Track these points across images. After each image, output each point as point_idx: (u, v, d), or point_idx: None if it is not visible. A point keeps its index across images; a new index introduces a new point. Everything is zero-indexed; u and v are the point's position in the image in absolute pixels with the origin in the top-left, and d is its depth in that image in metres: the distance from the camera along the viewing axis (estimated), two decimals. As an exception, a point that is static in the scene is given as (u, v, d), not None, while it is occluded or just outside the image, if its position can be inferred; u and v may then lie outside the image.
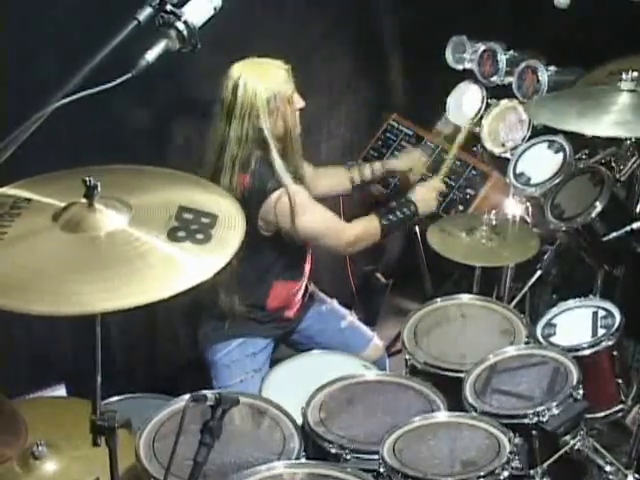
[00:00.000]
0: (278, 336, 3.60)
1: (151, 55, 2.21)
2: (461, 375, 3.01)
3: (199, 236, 2.03)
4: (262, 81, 3.20)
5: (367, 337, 3.71)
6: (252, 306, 3.45)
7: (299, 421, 2.82)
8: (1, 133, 2.04)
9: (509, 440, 2.61)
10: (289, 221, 3.24)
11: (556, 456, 2.79)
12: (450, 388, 2.95)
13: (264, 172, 3.23)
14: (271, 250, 3.38)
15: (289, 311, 3.56)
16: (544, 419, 2.75)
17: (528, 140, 3.97)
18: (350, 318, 3.75)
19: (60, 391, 3.61)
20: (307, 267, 3.57)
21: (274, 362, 3.49)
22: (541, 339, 3.24)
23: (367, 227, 3.52)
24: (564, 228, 3.51)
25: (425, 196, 3.69)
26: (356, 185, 3.89)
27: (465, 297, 3.51)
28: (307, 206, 3.29)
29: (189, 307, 3.63)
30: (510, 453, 2.56)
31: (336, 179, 3.87)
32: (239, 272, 3.26)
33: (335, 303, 3.78)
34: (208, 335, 3.51)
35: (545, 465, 2.77)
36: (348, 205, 4.07)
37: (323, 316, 3.70)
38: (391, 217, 3.56)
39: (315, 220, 3.35)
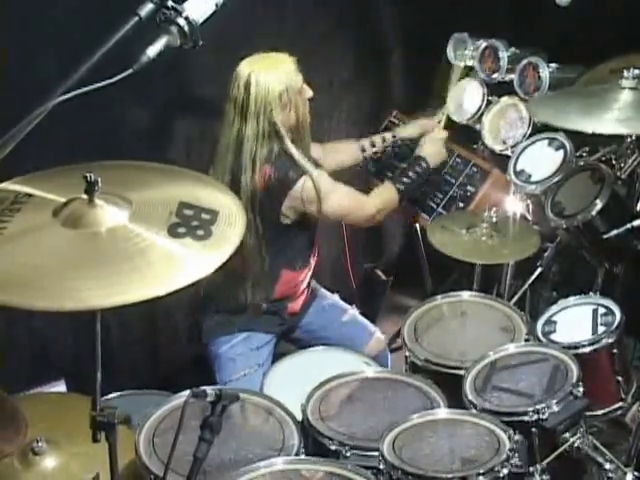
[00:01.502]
0: (281, 331, 3.60)
1: (152, 51, 2.21)
2: (461, 372, 3.01)
3: (200, 232, 2.03)
4: (273, 76, 3.22)
5: (369, 331, 3.71)
6: (261, 296, 3.45)
7: (299, 417, 2.82)
8: (2, 130, 2.04)
9: (509, 437, 2.61)
10: (317, 205, 3.30)
11: (556, 454, 2.79)
12: (450, 385, 2.96)
13: (284, 163, 3.26)
14: (285, 238, 3.41)
15: (293, 304, 3.56)
16: (544, 417, 2.75)
17: (529, 137, 3.96)
18: (352, 312, 3.75)
19: (60, 387, 3.61)
20: (313, 259, 3.58)
21: (276, 357, 3.49)
22: (541, 336, 3.24)
23: (386, 196, 3.60)
24: (564, 225, 3.51)
25: (432, 148, 3.80)
26: (368, 156, 3.97)
27: (465, 294, 3.51)
28: (331, 188, 3.34)
29: (191, 302, 3.63)
30: (510, 450, 2.56)
31: (347, 152, 3.93)
32: (251, 260, 3.32)
33: (337, 298, 3.79)
34: (213, 329, 3.50)
35: (545, 462, 2.78)
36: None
37: (325, 311, 3.70)
38: (405, 180, 3.66)
39: (341, 200, 3.40)
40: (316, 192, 3.28)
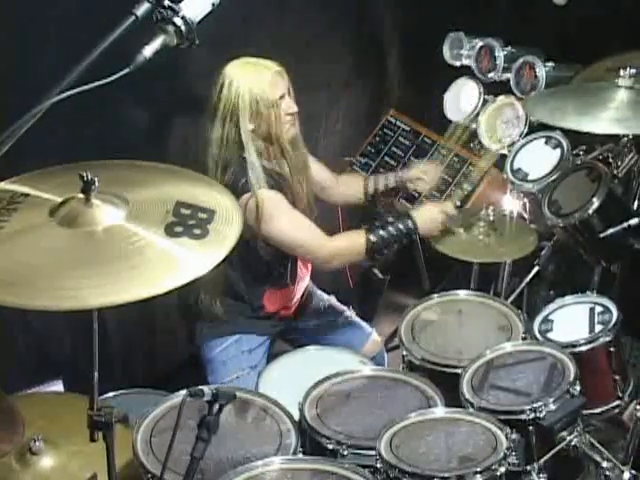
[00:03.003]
0: (275, 333, 3.60)
1: (149, 51, 2.21)
2: (458, 371, 3.01)
3: (196, 231, 2.03)
4: (246, 83, 3.16)
5: (366, 332, 3.71)
6: (247, 305, 3.44)
7: (296, 417, 2.82)
8: (5, 127, 2.03)
9: (506, 436, 2.61)
10: (256, 224, 3.16)
11: (553, 452, 2.79)
12: (447, 384, 2.95)
13: (240, 172, 3.18)
14: (258, 259, 3.31)
15: (287, 310, 3.56)
16: (541, 415, 2.75)
17: (525, 136, 3.97)
18: (348, 314, 3.73)
19: (57, 386, 3.61)
20: (303, 271, 3.54)
21: (271, 357, 3.49)
22: (538, 335, 3.24)
23: (350, 243, 3.33)
24: (561, 224, 3.51)
25: (430, 216, 3.42)
26: (369, 197, 3.76)
27: (462, 293, 3.51)
28: (277, 213, 3.18)
29: (186, 303, 3.63)
30: (507, 449, 2.56)
31: (351, 190, 3.76)
32: (231, 277, 3.31)
33: (333, 300, 3.77)
34: (204, 332, 3.50)
35: (542, 461, 2.77)
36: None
37: (321, 313, 3.70)
38: (382, 233, 3.32)
39: (284, 228, 3.20)
40: (257, 210, 3.13)
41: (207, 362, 3.50)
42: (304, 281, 3.58)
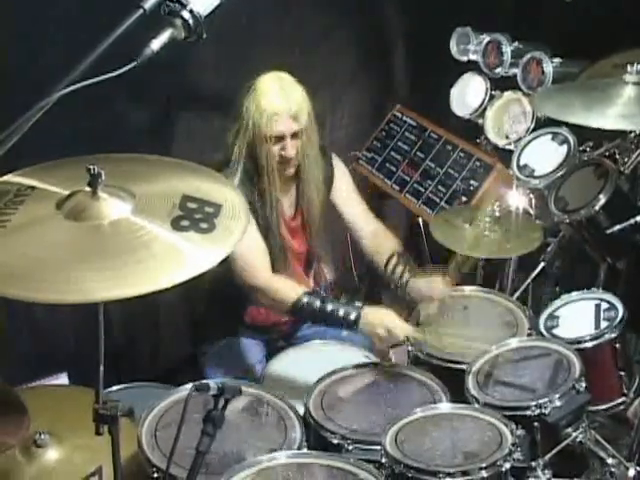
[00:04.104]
0: (271, 338, 3.56)
1: (156, 44, 2.20)
2: (463, 367, 3.01)
3: (203, 225, 2.03)
4: (253, 100, 3.13)
5: (371, 339, 3.49)
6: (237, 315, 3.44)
7: (301, 411, 2.82)
8: (3, 125, 2.03)
9: (511, 432, 2.61)
10: None
11: (558, 448, 2.79)
12: (452, 379, 2.95)
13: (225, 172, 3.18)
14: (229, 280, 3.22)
15: (278, 319, 3.49)
16: (546, 411, 2.75)
17: (532, 132, 3.96)
18: None
19: (62, 380, 3.62)
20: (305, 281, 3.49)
21: (275, 352, 3.47)
22: (544, 331, 3.24)
23: (284, 289, 3.15)
24: (567, 220, 3.51)
25: (378, 320, 3.09)
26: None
27: (468, 289, 3.51)
28: None
29: (190, 298, 3.64)
30: (512, 445, 2.56)
31: (378, 256, 3.49)
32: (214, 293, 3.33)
33: None
34: (200, 335, 3.52)
35: (547, 457, 2.78)
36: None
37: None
38: (318, 304, 3.09)
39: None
40: None
41: (202, 365, 3.47)
42: None
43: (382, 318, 3.10)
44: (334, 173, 3.47)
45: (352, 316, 3.06)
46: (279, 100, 3.12)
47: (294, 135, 3.16)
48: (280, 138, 3.14)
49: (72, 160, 2.24)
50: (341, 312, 3.07)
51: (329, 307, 3.08)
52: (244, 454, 2.60)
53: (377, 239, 3.51)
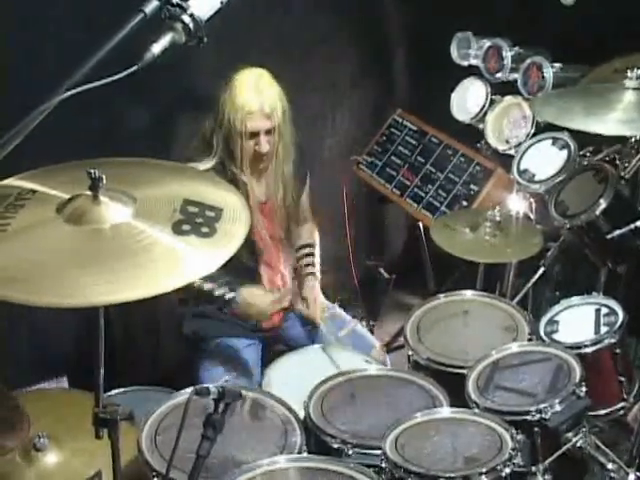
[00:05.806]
0: (264, 337, 3.56)
1: (157, 48, 2.20)
2: (464, 371, 3.01)
3: (204, 229, 2.03)
4: (230, 93, 3.20)
5: (369, 345, 3.58)
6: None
7: (301, 415, 2.82)
8: (4, 129, 2.03)
9: (511, 437, 2.61)
10: None
11: (558, 453, 2.79)
12: (452, 384, 2.95)
13: (194, 152, 3.29)
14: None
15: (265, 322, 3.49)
16: (546, 416, 2.75)
17: (532, 137, 3.96)
18: (350, 326, 3.61)
19: (62, 383, 3.62)
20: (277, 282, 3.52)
21: (273, 357, 3.46)
22: (544, 336, 3.23)
23: None
24: (568, 225, 3.51)
25: (257, 302, 3.28)
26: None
27: (468, 293, 3.51)
28: None
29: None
30: (512, 450, 2.56)
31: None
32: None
33: (336, 310, 3.69)
34: (191, 336, 3.52)
35: (547, 462, 2.77)
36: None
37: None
38: (198, 283, 3.20)
39: None
40: None
41: (196, 367, 3.46)
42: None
43: (255, 298, 3.26)
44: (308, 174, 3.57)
45: (227, 296, 3.24)
46: (254, 98, 3.19)
47: (268, 132, 3.23)
48: (254, 134, 3.22)
49: (73, 164, 2.24)
50: (218, 292, 3.23)
51: (206, 286, 3.22)
52: (244, 458, 2.60)
53: (303, 227, 3.67)
